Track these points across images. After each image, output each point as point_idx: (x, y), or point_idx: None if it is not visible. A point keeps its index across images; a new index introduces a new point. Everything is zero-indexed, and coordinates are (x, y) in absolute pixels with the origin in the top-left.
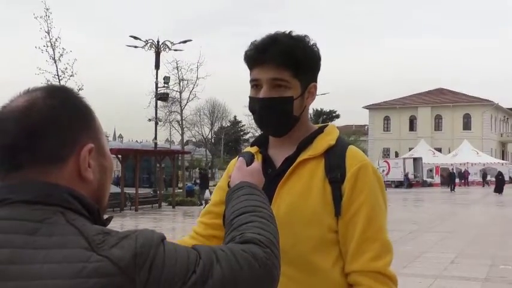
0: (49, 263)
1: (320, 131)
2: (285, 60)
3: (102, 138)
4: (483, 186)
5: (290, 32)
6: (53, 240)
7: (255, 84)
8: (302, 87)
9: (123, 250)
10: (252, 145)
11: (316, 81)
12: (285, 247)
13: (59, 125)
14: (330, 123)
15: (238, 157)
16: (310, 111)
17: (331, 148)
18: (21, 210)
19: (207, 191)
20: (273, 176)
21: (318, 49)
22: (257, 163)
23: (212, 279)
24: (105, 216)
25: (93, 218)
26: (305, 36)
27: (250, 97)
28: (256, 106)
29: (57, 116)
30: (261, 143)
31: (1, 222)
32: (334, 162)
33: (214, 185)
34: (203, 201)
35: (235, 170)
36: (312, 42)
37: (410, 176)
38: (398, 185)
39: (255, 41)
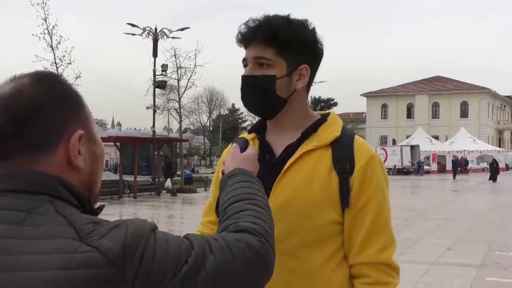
0: (37, 254)
1: (323, 119)
2: (269, 39)
3: (92, 125)
4: (454, 179)
5: (288, 14)
6: (41, 230)
7: (245, 64)
8: (289, 67)
9: (113, 240)
10: (249, 132)
11: (310, 64)
12: (281, 237)
13: (46, 111)
14: (330, 111)
15: (233, 143)
16: (309, 99)
17: (337, 139)
18: (9, 199)
19: (168, 180)
20: (273, 163)
21: (315, 33)
22: (252, 149)
23: (205, 270)
24: (97, 205)
25: (83, 207)
26: (303, 20)
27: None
28: (241, 84)
29: (44, 103)
30: (258, 129)
31: None
32: (343, 153)
33: (213, 172)
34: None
35: (229, 156)
36: (310, 26)
37: (407, 164)
38: (396, 172)
39: (247, 21)
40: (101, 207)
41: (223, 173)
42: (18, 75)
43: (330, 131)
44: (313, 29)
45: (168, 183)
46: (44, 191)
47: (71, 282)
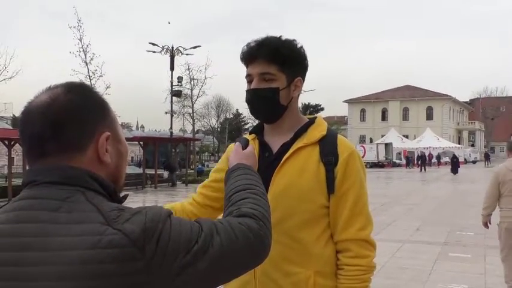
0: (70, 236)
1: (311, 122)
2: (272, 57)
3: (117, 127)
4: (420, 171)
5: (280, 36)
6: (73, 216)
7: (249, 79)
8: (288, 80)
9: (134, 224)
10: (250, 133)
11: (302, 77)
12: (281, 219)
13: (78, 116)
14: (317, 115)
15: (235, 142)
16: (299, 105)
17: (323, 137)
18: (46, 190)
19: (166, 172)
20: (272, 159)
21: (304, 51)
22: (251, 147)
23: (212, 248)
24: (122, 194)
25: (110, 196)
26: (293, 39)
27: (245, 91)
28: (249, 96)
29: (76, 108)
30: (257, 131)
31: (29, 201)
32: (328, 149)
33: None
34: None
35: (233, 153)
36: (299, 45)
37: (382, 158)
38: (373, 165)
39: (249, 43)
40: (125, 196)
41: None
42: (53, 86)
43: (318, 130)
44: (302, 47)
45: (165, 174)
46: (76, 182)
47: (99, 260)
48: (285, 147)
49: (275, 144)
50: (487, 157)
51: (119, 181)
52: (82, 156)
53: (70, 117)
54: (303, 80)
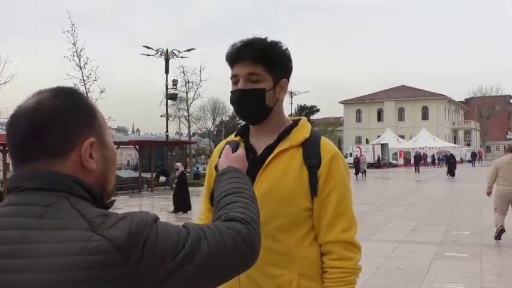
0: (55, 243)
1: (295, 124)
2: (259, 57)
3: (104, 133)
4: (415, 172)
5: (266, 37)
6: (58, 222)
7: (235, 80)
8: (274, 81)
9: (119, 230)
10: (235, 135)
11: (287, 79)
12: (264, 221)
13: (61, 121)
14: (302, 117)
15: (225, 145)
16: (295, 106)
17: (306, 139)
18: (31, 196)
19: (162, 177)
20: (256, 161)
21: (289, 53)
22: (241, 150)
23: (200, 253)
24: (109, 200)
25: (96, 202)
26: (278, 41)
27: (231, 91)
28: (235, 97)
29: (60, 113)
30: (243, 133)
31: (13, 207)
32: (311, 151)
33: None
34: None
35: (223, 156)
36: (284, 47)
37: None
38: (369, 166)
39: (235, 43)
40: (112, 202)
41: (216, 169)
42: (41, 90)
43: (301, 133)
44: (287, 49)
45: (162, 178)
46: (61, 188)
47: (84, 266)
48: (269, 149)
49: (260, 147)
50: (473, 157)
51: (107, 187)
52: (64, 162)
53: (52, 121)
54: (288, 82)
